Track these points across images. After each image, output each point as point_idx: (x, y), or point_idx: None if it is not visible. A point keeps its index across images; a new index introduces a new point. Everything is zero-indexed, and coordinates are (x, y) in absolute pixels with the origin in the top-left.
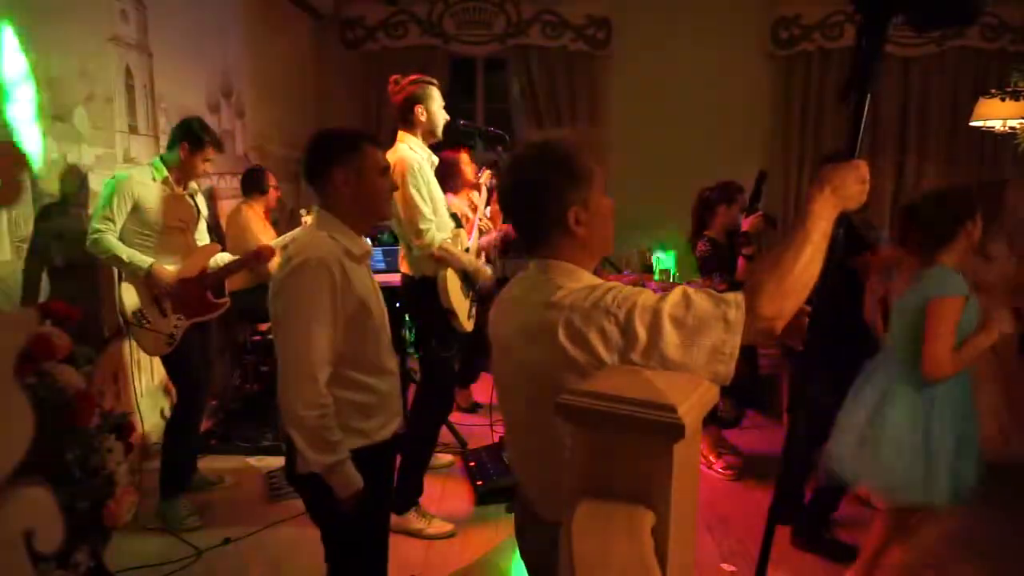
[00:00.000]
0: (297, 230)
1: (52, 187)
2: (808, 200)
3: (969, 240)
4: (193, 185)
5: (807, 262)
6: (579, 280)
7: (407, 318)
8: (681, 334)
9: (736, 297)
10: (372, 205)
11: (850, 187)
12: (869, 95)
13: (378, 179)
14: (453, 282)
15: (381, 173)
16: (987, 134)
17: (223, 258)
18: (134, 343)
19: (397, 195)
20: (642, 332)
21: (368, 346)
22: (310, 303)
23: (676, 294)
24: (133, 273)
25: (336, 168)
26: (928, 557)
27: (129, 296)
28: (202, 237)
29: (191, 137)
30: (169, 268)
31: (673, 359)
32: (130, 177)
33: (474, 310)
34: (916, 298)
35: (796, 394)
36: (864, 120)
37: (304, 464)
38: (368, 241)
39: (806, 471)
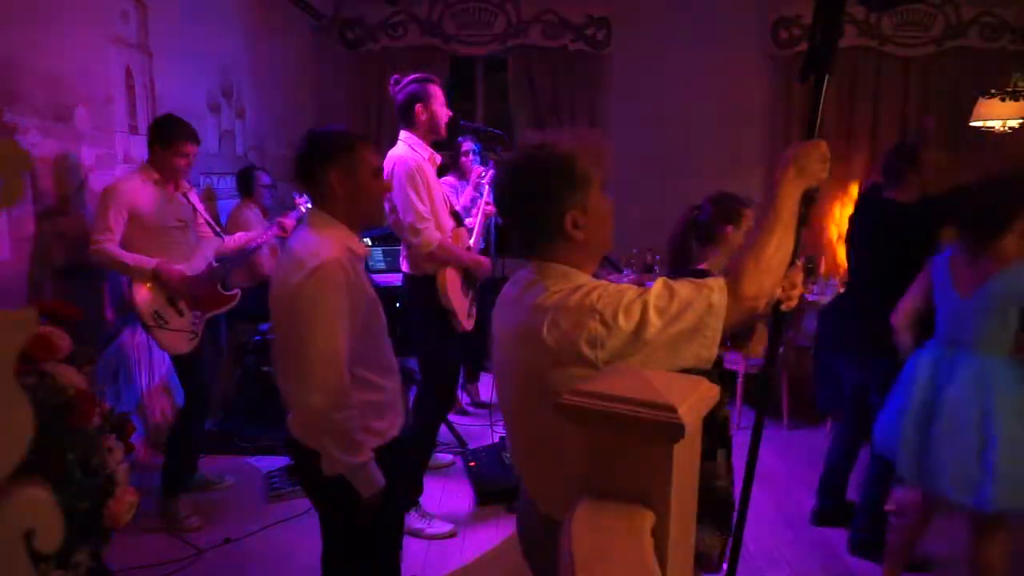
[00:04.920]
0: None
1: (52, 187)
2: (775, 182)
3: None
4: (185, 184)
5: (780, 240)
6: (571, 281)
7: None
8: (664, 321)
9: (718, 281)
10: (367, 207)
11: (813, 165)
12: (827, 76)
13: (372, 181)
14: (453, 281)
15: (375, 174)
16: (987, 134)
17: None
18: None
19: (395, 195)
20: (626, 325)
21: (378, 345)
22: (334, 305)
23: (658, 285)
24: (140, 276)
25: (331, 169)
26: None
27: (145, 298)
28: (204, 233)
29: (159, 137)
30: (175, 267)
31: (657, 347)
32: (120, 186)
33: (474, 309)
34: (1008, 288)
35: (833, 392)
36: (822, 101)
37: (331, 466)
38: (368, 241)
39: (849, 467)
